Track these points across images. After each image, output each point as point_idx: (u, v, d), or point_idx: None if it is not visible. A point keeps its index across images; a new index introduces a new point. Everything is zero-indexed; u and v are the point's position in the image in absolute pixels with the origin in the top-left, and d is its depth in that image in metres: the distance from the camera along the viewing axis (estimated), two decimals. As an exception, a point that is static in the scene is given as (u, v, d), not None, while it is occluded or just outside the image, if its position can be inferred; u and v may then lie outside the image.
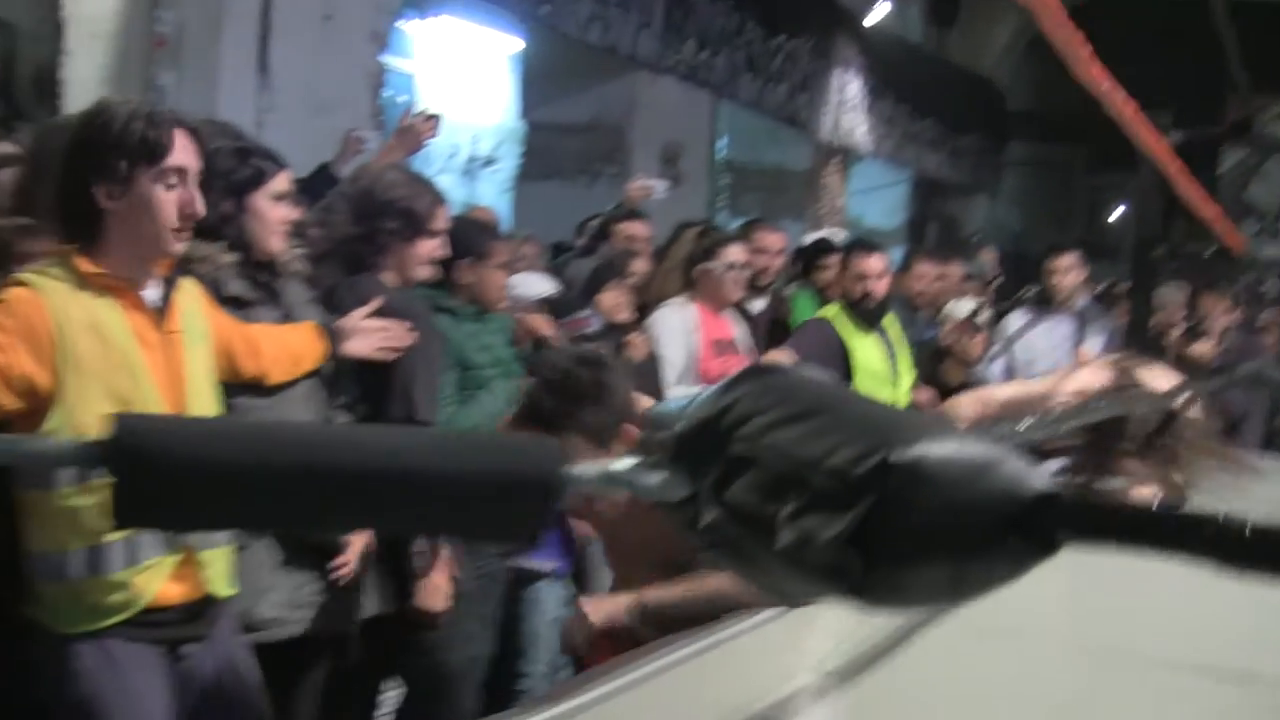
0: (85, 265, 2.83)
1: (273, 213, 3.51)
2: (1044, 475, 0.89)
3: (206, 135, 3.08)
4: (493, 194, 11.57)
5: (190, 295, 3.07)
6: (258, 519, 1.04)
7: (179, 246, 2.93)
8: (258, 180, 3.51)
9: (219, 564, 3.02)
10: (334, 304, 3.77)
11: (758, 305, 6.40)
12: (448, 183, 11.04)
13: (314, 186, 4.49)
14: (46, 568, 2.84)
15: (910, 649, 2.31)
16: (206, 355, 3.05)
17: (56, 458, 1.40)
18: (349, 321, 3.63)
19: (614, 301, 5.29)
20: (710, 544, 0.95)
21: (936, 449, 0.86)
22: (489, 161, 11.51)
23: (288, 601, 3.42)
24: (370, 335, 3.64)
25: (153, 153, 2.84)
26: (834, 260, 7.27)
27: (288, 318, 3.53)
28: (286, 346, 3.46)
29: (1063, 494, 0.88)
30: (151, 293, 2.94)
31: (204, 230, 3.20)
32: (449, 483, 0.87)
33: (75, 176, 2.85)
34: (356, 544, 3.56)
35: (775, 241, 6.69)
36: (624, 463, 0.93)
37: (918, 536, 0.85)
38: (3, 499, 2.87)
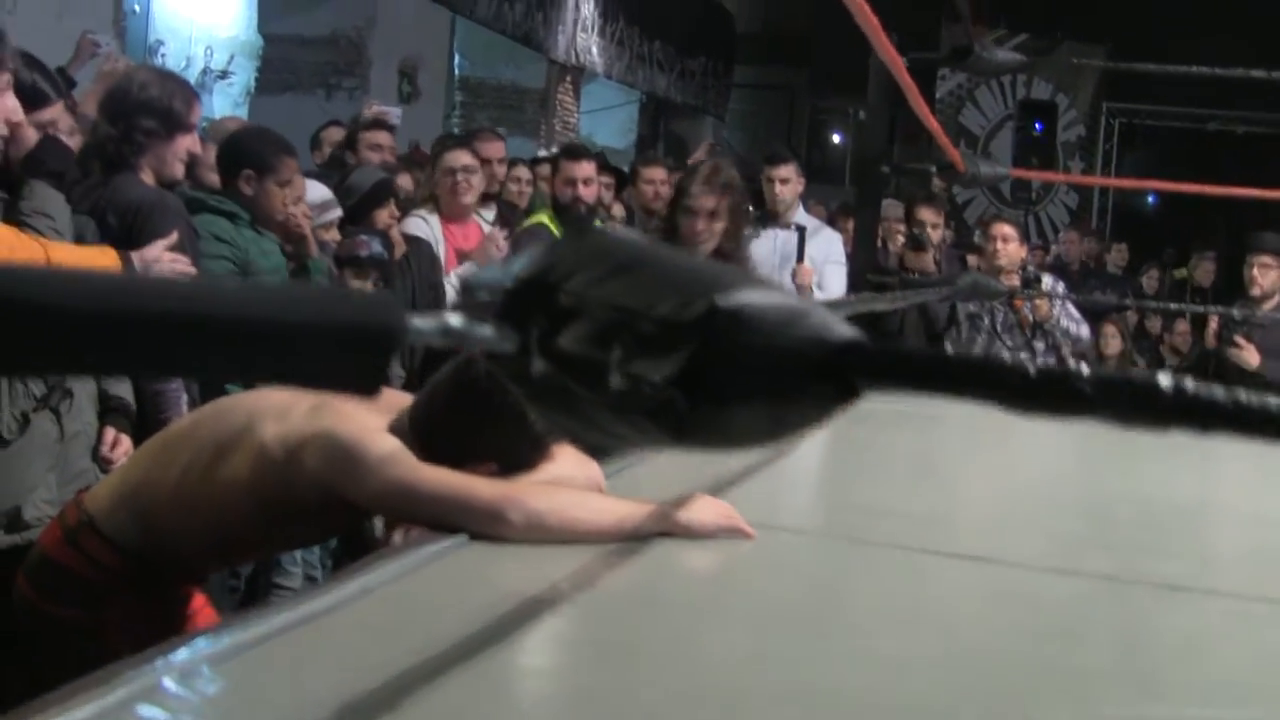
0: None
1: (33, 137, 3.47)
2: (848, 327, 0.97)
3: None
4: (228, 106, 11.33)
5: None
6: (99, 364, 1.06)
7: None
8: (28, 105, 3.47)
9: None
10: (96, 205, 3.75)
11: (489, 215, 6.43)
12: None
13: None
14: None
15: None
16: None
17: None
18: (151, 252, 3.59)
19: (388, 222, 5.23)
20: (539, 395, 1.01)
21: (757, 297, 0.93)
22: (224, 74, 11.26)
23: (57, 498, 3.35)
24: (164, 267, 3.59)
25: None
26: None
27: (38, 213, 3.44)
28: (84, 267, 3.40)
29: (864, 343, 0.96)
30: None
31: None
32: (289, 332, 0.91)
33: None
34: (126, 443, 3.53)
35: (496, 150, 6.82)
36: (456, 317, 0.98)
37: (738, 379, 0.94)
38: None
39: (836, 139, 21.52)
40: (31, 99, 3.46)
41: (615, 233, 1.08)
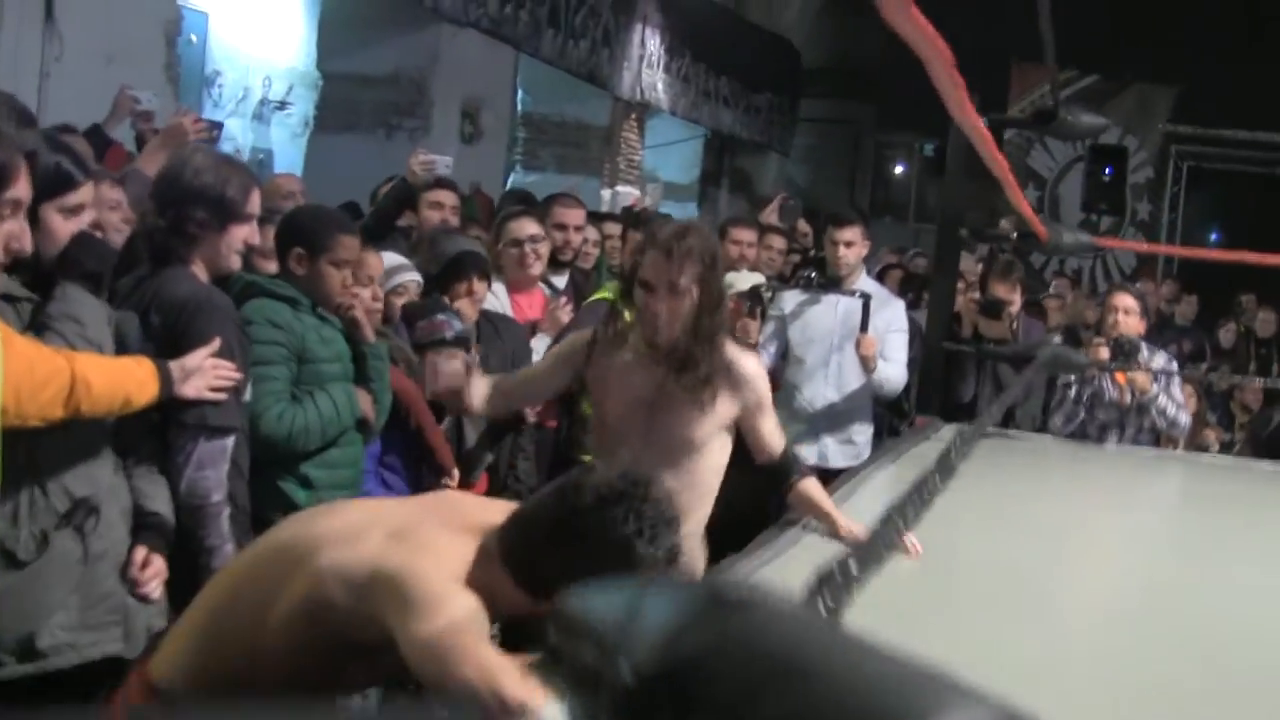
0: None
1: (62, 227, 3.26)
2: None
3: None
4: (285, 138, 11.25)
5: None
6: None
7: None
8: (49, 195, 3.26)
9: None
10: (141, 300, 3.54)
11: (560, 282, 6.12)
12: (237, 127, 10.70)
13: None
14: None
15: None
16: None
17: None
18: (190, 361, 3.39)
19: (472, 295, 5.01)
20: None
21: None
22: (281, 105, 11.17)
23: (79, 623, 3.14)
24: (205, 375, 3.41)
25: None
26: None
27: (67, 318, 3.25)
28: (120, 385, 3.18)
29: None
30: None
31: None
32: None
33: None
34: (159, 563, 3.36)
35: (575, 217, 6.27)
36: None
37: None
38: None
39: (899, 170, 21.36)
40: (56, 183, 3.25)
41: (770, 615, 0.90)
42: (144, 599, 3.28)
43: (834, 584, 2.85)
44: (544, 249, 5.69)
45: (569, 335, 4.50)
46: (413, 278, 4.92)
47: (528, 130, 13.93)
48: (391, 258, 4.88)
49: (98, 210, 3.58)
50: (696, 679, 0.84)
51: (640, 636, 0.90)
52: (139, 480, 3.36)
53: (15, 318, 3.10)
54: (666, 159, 16.03)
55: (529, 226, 5.65)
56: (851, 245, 6.38)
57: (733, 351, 3.90)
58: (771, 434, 3.93)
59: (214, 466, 3.50)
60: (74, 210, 3.26)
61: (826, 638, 0.87)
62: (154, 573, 3.31)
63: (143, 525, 3.35)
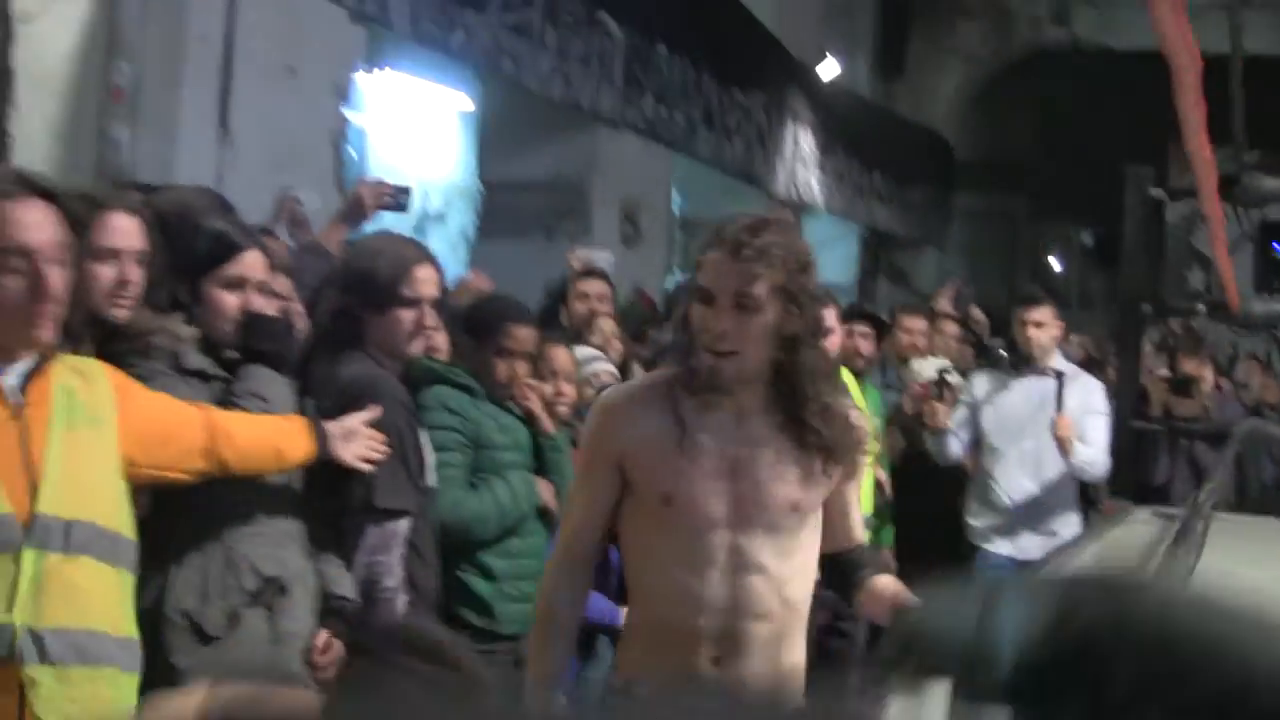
0: None
1: (225, 300, 3.29)
2: None
3: (173, 207, 2.90)
4: (445, 250, 11.35)
5: (84, 376, 2.83)
6: None
7: (43, 330, 2.69)
8: (213, 263, 3.29)
9: (65, 694, 2.67)
10: (312, 385, 3.54)
11: None
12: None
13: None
14: None
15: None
16: (99, 441, 2.79)
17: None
18: (349, 423, 3.36)
19: None
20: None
21: None
22: (440, 218, 11.29)
23: None
24: (360, 441, 3.37)
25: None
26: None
27: (252, 395, 3.29)
28: (268, 438, 3.20)
29: None
30: (14, 372, 2.70)
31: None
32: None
33: None
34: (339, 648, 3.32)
35: None
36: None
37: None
38: None
39: (1057, 260, 21.12)
40: (217, 250, 3.30)
41: (1174, 599, 0.80)
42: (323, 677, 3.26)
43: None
44: None
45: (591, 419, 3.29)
46: (605, 368, 4.93)
47: (685, 233, 13.97)
48: (585, 350, 4.90)
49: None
50: (1099, 658, 0.75)
51: (1011, 629, 0.81)
52: (326, 564, 3.37)
53: (208, 394, 3.16)
54: (823, 257, 15.95)
55: None
56: (1043, 326, 6.21)
57: (841, 395, 3.14)
58: (858, 515, 3.21)
59: (386, 551, 3.47)
60: (237, 283, 3.31)
61: (1228, 615, 0.78)
62: (331, 658, 3.29)
63: (328, 609, 3.34)
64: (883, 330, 6.74)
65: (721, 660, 2.90)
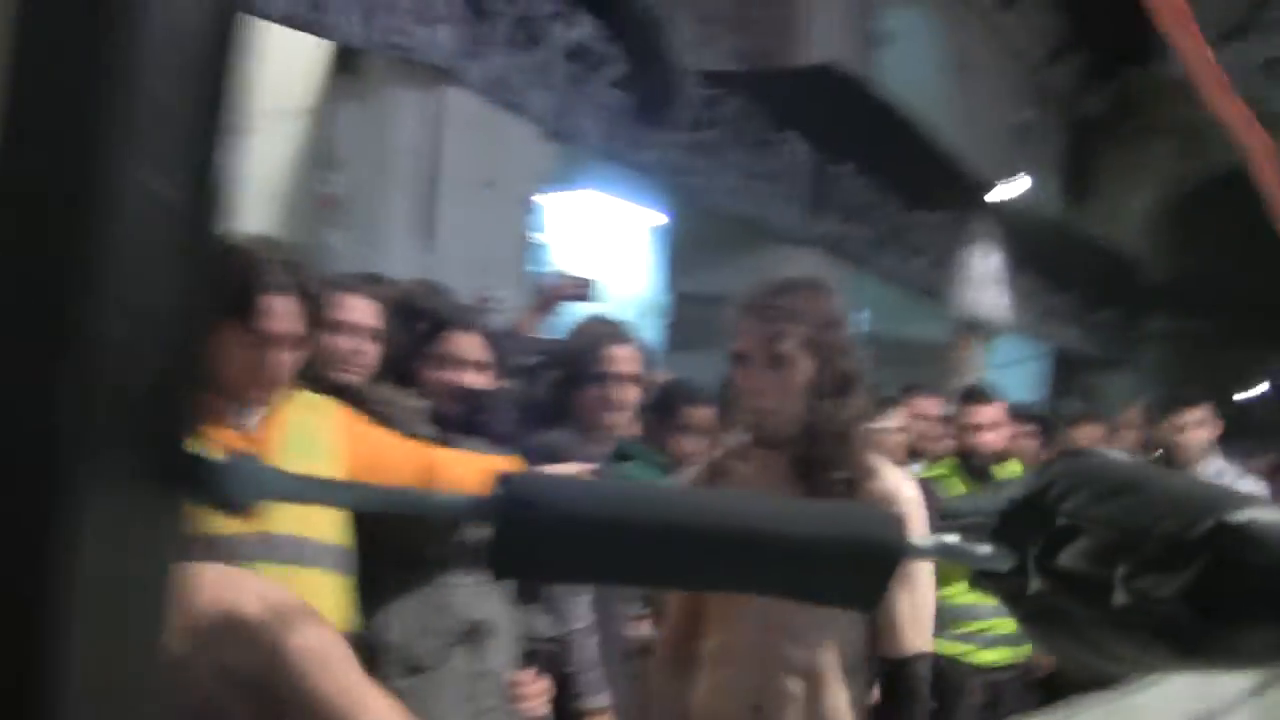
0: None
1: (448, 377, 3.56)
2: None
3: (399, 294, 3.22)
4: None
5: (315, 414, 3.14)
6: (625, 574, 1.10)
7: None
8: (434, 343, 3.59)
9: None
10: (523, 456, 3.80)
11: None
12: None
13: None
14: None
15: None
16: (325, 468, 3.08)
17: (449, 510, 1.47)
18: (563, 468, 3.55)
19: None
20: (1034, 614, 1.01)
21: (1264, 514, 0.92)
22: (625, 327, 11.58)
23: None
24: None
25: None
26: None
27: None
28: (479, 473, 3.29)
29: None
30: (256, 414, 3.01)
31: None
32: (798, 546, 0.93)
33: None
34: (543, 685, 3.56)
35: (931, 406, 6.41)
36: (954, 537, 0.99)
37: (1250, 597, 0.91)
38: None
39: (1258, 389, 20.71)
40: (437, 332, 3.57)
41: (1108, 454, 1.08)
42: (525, 717, 3.48)
43: None
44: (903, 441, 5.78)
45: None
46: None
47: (869, 349, 14.08)
48: None
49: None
50: (1055, 496, 1.02)
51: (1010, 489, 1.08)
52: (527, 610, 3.60)
53: None
54: (1011, 376, 15.96)
55: (895, 419, 5.76)
56: (1199, 426, 6.13)
57: (879, 464, 2.91)
58: (910, 613, 2.84)
59: (575, 595, 3.71)
60: (457, 362, 3.60)
61: (1154, 469, 1.06)
62: (537, 691, 3.51)
63: (533, 651, 3.58)
64: (1051, 432, 6.83)
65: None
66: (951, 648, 5.09)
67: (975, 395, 5.95)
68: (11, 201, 0.65)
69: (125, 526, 0.68)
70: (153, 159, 0.67)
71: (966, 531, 1.04)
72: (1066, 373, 17.20)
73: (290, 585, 2.92)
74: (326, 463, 3.10)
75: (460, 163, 7.28)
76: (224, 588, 1.93)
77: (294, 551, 2.97)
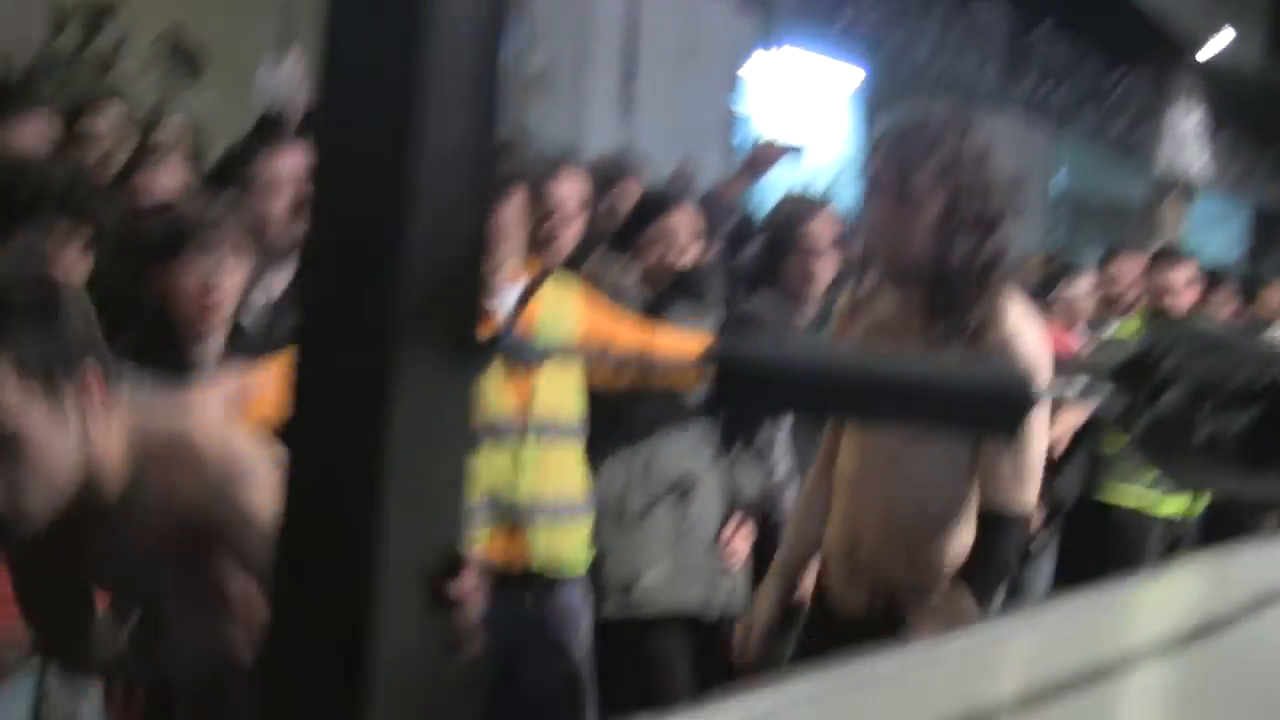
0: None
1: (653, 248, 3.85)
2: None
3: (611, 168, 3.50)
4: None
5: (560, 290, 3.42)
6: (815, 408, 1.41)
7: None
8: (639, 216, 3.91)
9: (549, 540, 3.32)
10: (730, 320, 3.96)
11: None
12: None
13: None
14: None
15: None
16: (568, 356, 3.42)
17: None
18: None
19: None
20: (1142, 442, 1.32)
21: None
22: (828, 189, 11.70)
23: (668, 582, 3.61)
24: None
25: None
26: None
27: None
28: (681, 350, 3.57)
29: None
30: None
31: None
32: (952, 389, 1.25)
33: None
34: (747, 531, 3.78)
35: (1132, 266, 6.08)
36: (1077, 384, 1.30)
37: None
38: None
39: None
40: (647, 207, 3.90)
41: (1201, 321, 1.38)
42: (729, 564, 3.72)
43: None
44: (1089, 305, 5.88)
45: None
46: None
47: (1066, 208, 14.02)
48: None
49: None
50: (1159, 354, 1.33)
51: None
52: (737, 466, 3.84)
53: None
54: (1208, 237, 15.75)
55: (1084, 285, 5.84)
56: None
57: (1017, 317, 2.71)
58: (1011, 474, 2.71)
59: (776, 449, 3.97)
60: (663, 235, 3.88)
61: (1237, 332, 1.36)
62: (743, 536, 3.74)
63: (737, 504, 3.79)
64: (1250, 291, 6.86)
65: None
66: (1134, 498, 5.29)
67: (1167, 255, 5.98)
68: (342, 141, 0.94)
69: (435, 384, 0.97)
70: (450, 106, 0.97)
71: (1095, 378, 1.35)
72: (1267, 231, 16.89)
73: (546, 462, 3.27)
74: (572, 335, 3.38)
75: (660, 33, 7.46)
76: (178, 418, 2.11)
77: (549, 429, 3.29)
